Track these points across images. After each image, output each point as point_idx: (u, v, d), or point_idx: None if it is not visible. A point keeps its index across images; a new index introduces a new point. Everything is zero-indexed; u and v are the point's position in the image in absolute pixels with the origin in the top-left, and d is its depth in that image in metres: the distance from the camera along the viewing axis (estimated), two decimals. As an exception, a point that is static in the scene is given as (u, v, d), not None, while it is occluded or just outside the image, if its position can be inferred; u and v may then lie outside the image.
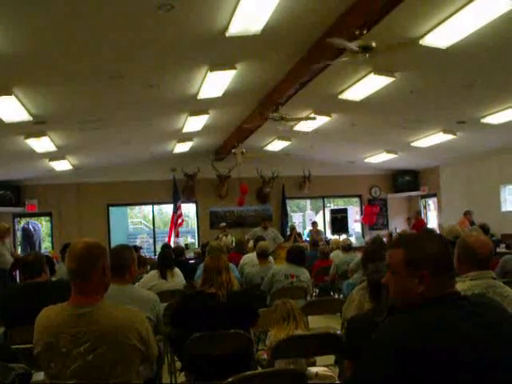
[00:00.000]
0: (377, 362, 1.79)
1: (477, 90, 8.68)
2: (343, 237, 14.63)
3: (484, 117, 10.09)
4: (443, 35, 6.39)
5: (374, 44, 5.99)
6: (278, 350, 3.67)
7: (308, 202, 19.56)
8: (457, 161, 14.70)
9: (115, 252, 3.46)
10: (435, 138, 12.07)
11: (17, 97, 7.21)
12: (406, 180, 17.16)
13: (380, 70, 7.79)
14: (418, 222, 13.56)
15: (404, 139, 12.59)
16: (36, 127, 9.00)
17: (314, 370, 4.05)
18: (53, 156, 11.76)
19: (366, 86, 8.42)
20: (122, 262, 3.59)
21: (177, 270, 6.41)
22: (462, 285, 2.97)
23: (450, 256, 1.97)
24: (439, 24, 6.14)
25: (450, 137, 11.74)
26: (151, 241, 17.25)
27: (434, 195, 16.48)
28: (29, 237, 15.01)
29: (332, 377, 3.98)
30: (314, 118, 10.31)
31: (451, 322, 1.79)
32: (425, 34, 6.43)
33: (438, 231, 11.91)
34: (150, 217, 17.23)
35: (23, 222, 15.42)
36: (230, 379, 2.74)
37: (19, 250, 13.99)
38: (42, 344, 2.59)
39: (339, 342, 3.75)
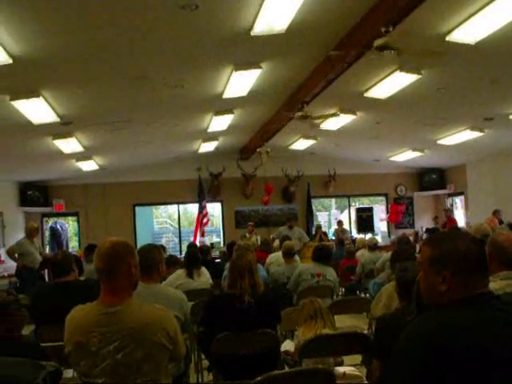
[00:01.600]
0: (405, 361, 1.78)
1: (505, 86, 8.53)
2: (369, 236, 14.55)
3: (512, 113, 9.94)
4: (471, 31, 6.29)
5: (398, 45, 5.94)
6: (305, 349, 3.66)
7: (333, 200, 19.46)
8: (484, 158, 14.49)
9: (143, 251, 3.48)
10: (462, 136, 11.90)
11: (45, 98, 7.30)
12: (433, 178, 16.98)
13: (406, 68, 7.71)
14: (450, 221, 13.37)
15: (430, 137, 12.44)
16: (63, 128, 9.09)
17: (341, 369, 4.03)
18: (80, 156, 11.88)
19: (392, 83, 8.34)
20: (150, 261, 3.61)
21: (203, 269, 6.44)
22: (494, 284, 2.92)
23: (482, 255, 1.92)
24: (467, 19, 6.05)
25: (477, 134, 11.57)
26: (176, 240, 17.34)
27: (461, 193, 16.27)
28: (56, 236, 15.21)
29: (360, 377, 3.95)
30: (337, 115, 10.23)
31: (479, 321, 1.77)
32: (452, 30, 6.34)
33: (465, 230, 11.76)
34: (175, 216, 17.31)
35: (51, 221, 15.62)
36: (258, 378, 2.74)
37: (47, 250, 14.18)
38: (73, 343, 2.62)
39: (367, 342, 3.73)
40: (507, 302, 1.88)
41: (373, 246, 9.04)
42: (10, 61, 5.66)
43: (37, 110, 7.67)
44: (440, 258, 1.89)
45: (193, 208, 17.34)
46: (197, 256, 6.51)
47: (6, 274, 11.07)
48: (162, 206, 19.23)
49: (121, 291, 2.63)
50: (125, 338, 2.56)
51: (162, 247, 8.07)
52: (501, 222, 10.56)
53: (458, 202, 17.10)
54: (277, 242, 12.20)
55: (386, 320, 3.17)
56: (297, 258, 7.68)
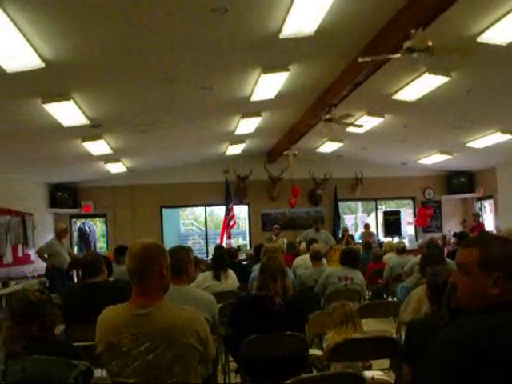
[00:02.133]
0: (438, 367, 1.74)
1: (537, 88, 8.41)
2: (396, 239, 14.42)
3: (545, 116, 9.78)
4: (503, 32, 6.21)
5: (429, 42, 5.88)
6: (334, 353, 3.64)
7: (359, 204, 19.34)
8: (515, 161, 14.27)
9: (173, 253, 3.49)
10: (492, 138, 11.74)
11: (75, 101, 7.40)
12: (461, 181, 16.75)
13: (435, 70, 7.64)
14: (478, 225, 13.18)
15: (459, 140, 12.29)
16: (93, 130, 9.21)
17: (369, 373, 3.99)
18: (108, 158, 12.01)
19: (421, 85, 8.28)
20: (179, 262, 3.63)
21: (230, 272, 6.44)
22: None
23: None
24: (498, 20, 5.98)
25: (508, 137, 11.40)
26: (202, 242, 17.40)
27: (491, 197, 16.03)
28: (84, 237, 15.39)
29: (388, 381, 3.91)
30: (361, 126, 10.21)
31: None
32: (483, 31, 6.28)
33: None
34: (201, 218, 17.36)
35: (79, 222, 15.80)
36: (287, 381, 2.73)
37: (75, 250, 14.36)
38: (104, 343, 2.64)
39: (396, 346, 3.70)
40: None
41: (401, 250, 8.96)
42: (43, 65, 5.76)
43: (67, 112, 7.79)
44: (492, 260, 1.82)
45: (219, 210, 17.40)
46: (224, 258, 6.51)
47: (35, 274, 11.23)
48: (189, 209, 19.31)
49: (152, 292, 2.65)
50: (156, 339, 2.57)
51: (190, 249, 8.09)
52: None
53: (487, 205, 16.84)
54: (303, 245, 12.16)
55: (416, 325, 3.13)
56: (324, 261, 7.64)
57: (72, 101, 7.30)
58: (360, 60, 6.33)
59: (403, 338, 4.31)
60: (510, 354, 1.65)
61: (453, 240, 13.24)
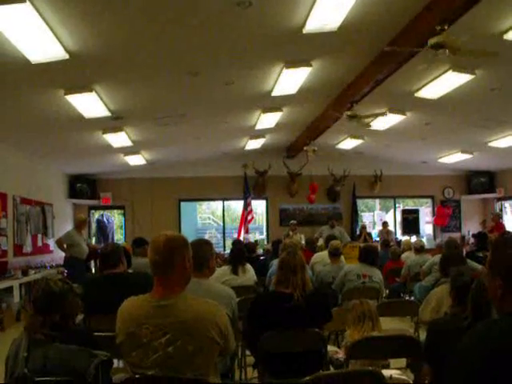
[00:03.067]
0: (465, 369, 1.73)
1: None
2: (414, 238, 14.33)
3: None
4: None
5: (454, 39, 5.81)
6: (353, 351, 3.62)
7: (377, 201, 19.25)
8: (537, 162, 14.09)
9: (195, 246, 3.49)
10: (515, 139, 11.61)
11: (97, 93, 7.45)
12: (481, 181, 16.57)
13: (459, 67, 7.55)
14: (498, 226, 13.03)
15: (481, 139, 12.16)
16: (114, 123, 9.26)
17: (387, 372, 3.96)
18: (128, 151, 12.08)
19: (444, 83, 8.19)
20: (201, 256, 3.63)
21: (248, 266, 6.44)
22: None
23: None
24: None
25: (530, 137, 11.27)
26: (219, 236, 17.44)
27: (511, 198, 15.85)
28: (103, 229, 15.51)
29: (407, 380, 3.88)
30: (385, 114, 10.09)
31: None
32: (509, 29, 6.19)
33: (515, 235, 11.46)
34: (218, 212, 17.40)
35: (97, 214, 15.91)
36: (307, 378, 2.72)
37: (93, 241, 14.47)
38: (125, 334, 2.65)
39: (415, 345, 3.67)
40: None
41: (419, 249, 8.89)
42: (67, 56, 5.80)
43: (89, 104, 7.85)
44: (494, 262, 1.87)
45: (236, 205, 17.41)
46: (242, 252, 6.51)
47: (54, 264, 11.34)
48: (206, 202, 19.35)
49: (174, 284, 2.65)
50: (177, 331, 2.58)
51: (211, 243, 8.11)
52: None
53: (508, 206, 16.65)
54: (321, 241, 12.15)
55: (438, 325, 3.11)
56: (342, 258, 7.61)
57: (94, 93, 7.34)
58: (386, 49, 6.28)
59: (421, 337, 4.29)
60: None
61: (471, 240, 13.13)
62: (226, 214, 17.09)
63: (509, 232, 11.61)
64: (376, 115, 9.67)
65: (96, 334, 3.40)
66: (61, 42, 5.49)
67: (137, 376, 2.64)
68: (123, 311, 2.74)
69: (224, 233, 16.84)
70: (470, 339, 1.78)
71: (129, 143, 10.99)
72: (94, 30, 5.59)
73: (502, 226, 13.78)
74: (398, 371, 4.12)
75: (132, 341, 2.63)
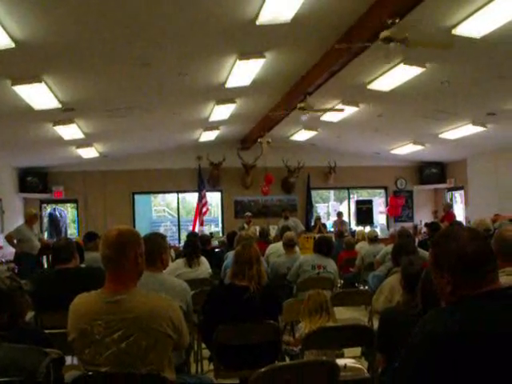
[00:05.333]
0: (415, 359, 1.77)
1: (509, 82, 8.49)
2: (368, 228, 14.56)
3: (516, 109, 9.92)
4: (477, 25, 6.25)
5: (406, 34, 5.90)
6: (308, 341, 3.65)
7: (331, 192, 19.46)
8: (485, 153, 14.45)
9: (148, 240, 3.46)
10: (464, 130, 11.87)
11: (47, 84, 7.26)
12: (433, 172, 16.96)
13: (411, 60, 7.67)
14: (448, 215, 13.34)
15: (432, 131, 12.41)
16: (64, 114, 9.06)
17: (342, 361, 4.02)
18: (80, 143, 11.85)
19: (396, 76, 8.31)
20: (154, 249, 3.60)
21: (203, 259, 6.41)
22: (498, 280, 2.91)
23: (481, 252, 1.88)
24: (474, 13, 6.01)
25: (479, 129, 11.53)
26: (174, 229, 17.35)
27: (461, 188, 16.26)
28: (55, 223, 15.19)
29: (361, 369, 3.94)
30: (341, 110, 10.23)
31: (491, 316, 1.75)
32: (458, 24, 6.31)
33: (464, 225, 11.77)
34: (173, 205, 17.30)
35: (50, 208, 15.59)
36: (262, 369, 2.72)
37: (45, 236, 14.16)
38: (77, 331, 2.60)
39: (369, 335, 3.72)
40: None
41: (373, 239, 9.02)
42: (13, 45, 5.62)
43: (38, 95, 7.63)
44: (438, 260, 1.91)
45: (191, 197, 17.34)
46: (197, 245, 6.47)
47: (3, 260, 11.05)
48: (161, 195, 19.21)
49: (126, 280, 2.62)
50: (129, 326, 2.55)
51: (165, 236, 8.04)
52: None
53: (458, 196, 17.09)
54: (274, 233, 12.25)
55: (390, 313, 3.16)
56: (297, 248, 7.66)
57: (43, 83, 7.15)
58: (337, 47, 6.33)
59: (375, 326, 4.35)
60: (485, 348, 1.67)
61: (424, 230, 13.41)
62: (181, 206, 17.00)
63: (458, 222, 11.89)
64: (331, 110, 9.73)
65: (48, 331, 3.34)
66: (6, 31, 5.32)
67: (90, 373, 2.60)
68: (75, 307, 2.69)
69: (179, 225, 16.75)
70: (420, 332, 1.81)
71: (81, 135, 10.79)
72: (42, 20, 5.43)
73: (453, 216, 14.12)
74: (352, 360, 4.18)
75: (84, 338, 2.59)
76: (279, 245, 7.74)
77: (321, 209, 18.53)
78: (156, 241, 3.69)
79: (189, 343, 3.06)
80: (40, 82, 7.07)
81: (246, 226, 13.62)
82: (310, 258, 6.62)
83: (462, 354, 1.67)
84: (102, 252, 2.64)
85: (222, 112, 10.92)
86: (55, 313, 3.85)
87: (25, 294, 2.89)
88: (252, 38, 6.79)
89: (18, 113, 8.48)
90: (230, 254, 6.46)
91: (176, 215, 17.15)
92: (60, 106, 8.28)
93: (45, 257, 10.76)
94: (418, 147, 14.40)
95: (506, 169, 13.84)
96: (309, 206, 16.40)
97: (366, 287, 7.97)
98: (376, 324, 4.47)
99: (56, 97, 7.85)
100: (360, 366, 4.03)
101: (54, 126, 9.66)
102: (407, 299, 3.18)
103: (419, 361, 1.74)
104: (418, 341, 1.78)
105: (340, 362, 3.96)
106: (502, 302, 1.80)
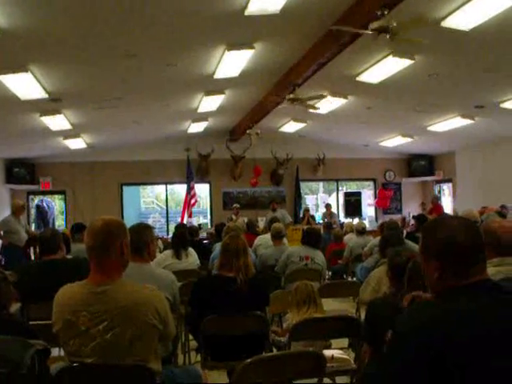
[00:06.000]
0: (399, 351, 1.77)
1: (497, 75, 8.52)
2: (356, 220, 14.60)
3: (503, 102, 9.95)
4: (466, 17, 6.26)
5: (394, 24, 5.89)
6: (295, 332, 3.65)
7: (321, 184, 19.48)
8: (473, 146, 14.53)
9: (134, 230, 3.43)
10: (452, 123, 11.92)
11: (33, 74, 7.18)
12: (421, 164, 17.02)
13: (400, 52, 7.66)
14: (436, 208, 13.40)
15: (420, 123, 12.45)
16: (51, 105, 8.98)
17: (329, 352, 4.03)
18: (67, 134, 11.77)
19: (385, 68, 8.30)
20: (141, 240, 3.57)
21: (191, 250, 6.39)
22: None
23: (474, 240, 1.87)
24: (462, 5, 6.01)
25: (467, 121, 11.59)
26: (163, 220, 17.30)
27: (449, 180, 16.34)
28: (42, 214, 15.09)
29: (347, 360, 3.95)
30: (324, 96, 10.15)
31: (478, 309, 1.75)
32: (447, 16, 6.31)
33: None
34: (162, 196, 17.24)
35: (37, 199, 15.48)
36: (248, 360, 2.72)
37: (33, 228, 14.06)
38: (62, 322, 2.58)
39: (356, 326, 3.73)
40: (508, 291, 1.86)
41: (361, 231, 9.05)
42: (-3, 34, 5.56)
43: (24, 85, 7.56)
44: (427, 247, 1.91)
45: (180, 189, 17.29)
46: (185, 237, 6.46)
47: (-10, 252, 10.97)
48: (149, 186, 19.14)
49: (111, 270, 2.60)
50: (114, 317, 2.53)
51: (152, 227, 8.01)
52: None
53: (446, 188, 17.18)
54: (262, 224, 12.24)
55: (376, 305, 3.17)
56: (285, 240, 7.66)
57: (30, 73, 7.08)
58: (333, 28, 6.31)
59: (362, 317, 4.37)
60: (472, 341, 1.67)
61: (412, 222, 13.46)
62: (169, 197, 16.96)
63: (446, 214, 11.94)
64: (315, 98, 9.68)
65: (34, 322, 3.32)
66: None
67: (75, 364, 2.58)
68: (59, 298, 2.67)
69: (167, 217, 16.72)
70: (404, 323, 1.81)
71: (68, 126, 10.71)
72: (27, 9, 5.36)
73: (440, 208, 14.18)
74: (340, 351, 4.19)
75: (69, 329, 2.57)
76: (267, 236, 7.74)
77: (309, 200, 18.53)
78: (142, 231, 3.66)
79: (175, 334, 3.04)
80: (26, 71, 7.00)
81: (234, 217, 13.61)
82: (297, 250, 6.62)
83: (449, 344, 1.67)
84: (87, 242, 2.61)
85: (210, 103, 10.88)
86: (41, 304, 3.82)
87: (9, 286, 2.86)
88: (241, 29, 6.75)
89: (3, 103, 8.40)
90: (218, 246, 6.44)
91: (165, 207, 17.10)
92: (47, 96, 8.21)
93: (32, 248, 10.68)
94: (407, 139, 14.44)
95: (493, 161, 13.92)
96: (297, 198, 16.42)
97: (354, 279, 8.00)
98: (363, 315, 4.49)
99: (43, 87, 7.78)
100: (347, 356, 4.04)
101: (40, 116, 9.58)
102: (394, 290, 3.19)
103: (407, 351, 1.73)
104: (407, 329, 1.78)
105: (327, 352, 3.97)
106: (486, 293, 1.80)
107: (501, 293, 1.81)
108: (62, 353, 3.30)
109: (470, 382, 1.64)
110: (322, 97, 9.82)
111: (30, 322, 3.55)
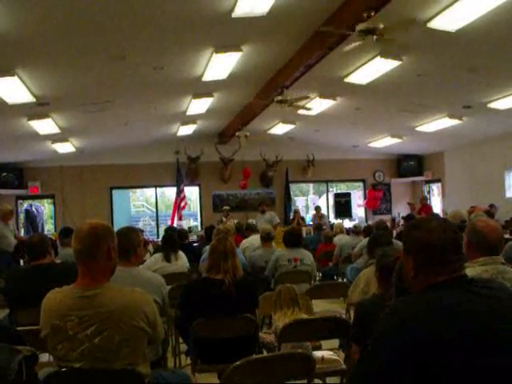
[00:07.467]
0: (384, 346, 1.79)
1: (484, 75, 8.59)
2: (347, 221, 14.62)
3: (490, 102, 10.01)
4: (452, 18, 6.30)
5: (381, 25, 5.93)
6: (284, 334, 3.65)
7: (311, 186, 19.51)
8: (462, 146, 14.61)
9: (122, 234, 3.42)
10: (441, 123, 11.99)
11: (20, 77, 7.16)
12: (410, 165, 17.11)
13: (387, 53, 7.70)
14: (425, 208, 13.46)
15: (409, 124, 12.51)
16: (39, 109, 8.95)
17: (319, 353, 4.03)
18: (56, 138, 11.73)
19: (373, 69, 8.35)
20: (128, 244, 3.56)
21: (181, 253, 6.38)
22: (472, 270, 2.94)
23: (450, 241, 1.90)
24: (448, 7, 6.05)
25: (455, 122, 11.66)
26: (153, 224, 17.27)
27: (438, 180, 16.42)
28: (32, 219, 15.01)
29: (337, 361, 3.96)
30: (312, 98, 10.17)
31: (459, 305, 1.77)
32: (433, 17, 6.35)
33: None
34: (152, 200, 17.21)
35: (26, 204, 15.40)
36: (238, 362, 2.72)
37: (22, 233, 13.98)
38: (49, 326, 2.57)
39: (345, 326, 3.73)
40: (484, 286, 1.89)
41: (354, 230, 9.10)
42: (-16, 38, 5.53)
43: (11, 89, 7.53)
44: (407, 245, 1.98)
45: (170, 192, 17.27)
46: (174, 240, 6.45)
47: (-22, 257, 10.87)
48: (139, 190, 19.09)
49: (99, 274, 2.59)
50: (103, 321, 2.52)
51: (140, 230, 8.00)
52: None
53: (435, 188, 17.26)
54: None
55: (365, 305, 3.17)
56: (273, 243, 7.65)
57: (16, 77, 7.04)
58: (322, 29, 6.34)
59: (352, 318, 4.37)
60: (454, 337, 1.69)
61: (402, 222, 13.50)
62: (159, 201, 16.93)
63: (436, 214, 11.99)
64: (303, 98, 9.70)
65: (22, 328, 3.29)
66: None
67: (63, 369, 2.57)
68: (47, 303, 2.65)
69: (158, 220, 16.68)
70: (387, 318, 1.83)
71: (56, 130, 10.67)
72: (13, 12, 5.34)
73: (430, 208, 14.25)
74: (330, 352, 4.19)
75: (57, 333, 2.56)
76: (253, 238, 7.75)
77: (300, 202, 18.56)
78: (130, 235, 3.65)
79: (164, 337, 3.03)
80: (13, 75, 6.97)
81: (224, 219, 13.60)
82: (285, 253, 6.59)
83: (433, 341, 1.69)
84: (74, 246, 2.60)
85: (199, 106, 10.88)
86: (30, 309, 3.79)
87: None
88: (228, 31, 6.76)
89: (-10, 107, 8.36)
90: (208, 248, 6.44)
91: (155, 210, 17.07)
92: (34, 100, 8.18)
93: (21, 253, 10.61)
94: (396, 140, 14.50)
95: (482, 161, 14.00)
96: (287, 200, 16.43)
97: (345, 280, 8.01)
98: (353, 315, 4.50)
99: (30, 91, 7.75)
100: (337, 357, 4.04)
101: (28, 120, 9.55)
102: (382, 290, 3.20)
103: (391, 346, 1.75)
104: (390, 327, 1.80)
105: (317, 354, 3.97)
106: (463, 288, 1.83)
107: (476, 287, 1.84)
108: (51, 359, 3.30)
109: (455, 378, 1.66)
110: (308, 98, 9.84)
111: (18, 328, 3.52)
